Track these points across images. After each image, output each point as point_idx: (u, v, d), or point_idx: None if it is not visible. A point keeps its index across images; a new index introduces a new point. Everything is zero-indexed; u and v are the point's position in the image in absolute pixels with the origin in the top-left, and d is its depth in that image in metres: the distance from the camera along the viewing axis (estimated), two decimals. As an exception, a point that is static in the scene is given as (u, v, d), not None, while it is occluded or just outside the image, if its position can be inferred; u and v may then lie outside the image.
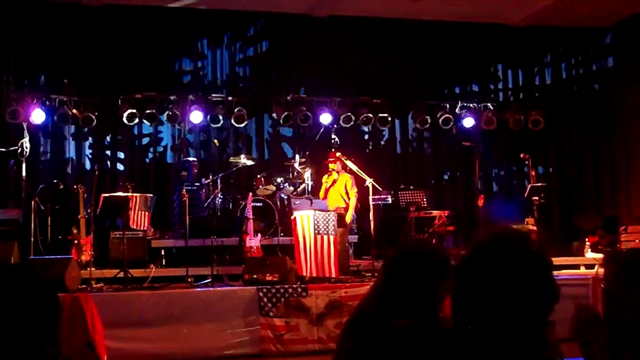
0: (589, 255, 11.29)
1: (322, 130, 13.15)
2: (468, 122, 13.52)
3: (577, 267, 11.14)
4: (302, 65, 13.89)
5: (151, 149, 13.28)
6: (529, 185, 10.98)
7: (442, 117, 13.43)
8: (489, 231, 2.06)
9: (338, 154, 10.94)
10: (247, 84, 13.98)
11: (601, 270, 8.99)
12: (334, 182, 10.94)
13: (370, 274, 10.12)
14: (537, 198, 10.76)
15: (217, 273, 9.85)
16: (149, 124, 12.57)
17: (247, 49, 13.94)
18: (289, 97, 13.18)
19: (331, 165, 10.98)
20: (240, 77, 14.01)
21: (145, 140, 13.30)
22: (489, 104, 13.81)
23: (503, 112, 13.81)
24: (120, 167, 13.03)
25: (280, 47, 13.79)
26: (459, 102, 13.75)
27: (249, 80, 14.00)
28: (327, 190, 10.98)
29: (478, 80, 14.76)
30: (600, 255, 10.61)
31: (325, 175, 11.09)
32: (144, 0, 12.62)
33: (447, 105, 13.67)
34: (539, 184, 11.15)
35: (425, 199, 12.02)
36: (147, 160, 13.24)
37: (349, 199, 10.86)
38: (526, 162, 11.38)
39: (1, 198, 12.20)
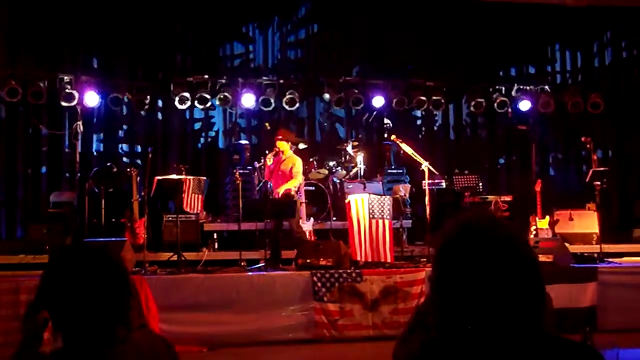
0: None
1: (374, 113, 12.95)
2: (524, 105, 13.18)
3: (638, 254, 10.77)
4: (355, 48, 13.69)
5: (203, 133, 13.26)
6: (591, 170, 10.62)
7: (498, 100, 13.11)
8: (454, 219, 1.84)
9: (393, 136, 10.71)
10: (298, 66, 13.84)
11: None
12: (281, 162, 10.33)
13: (425, 260, 9.92)
14: (599, 183, 10.40)
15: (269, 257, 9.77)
16: (200, 107, 12.51)
17: (298, 31, 13.80)
18: (341, 80, 13.00)
19: (278, 144, 10.33)
20: (291, 60, 13.90)
21: (197, 125, 13.29)
22: (545, 87, 13.43)
23: (561, 94, 13.42)
24: (172, 149, 13.04)
25: (331, 29, 13.61)
26: (515, 85, 13.39)
27: (299, 63, 13.87)
28: (273, 172, 10.37)
29: (534, 62, 14.38)
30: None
31: (270, 155, 10.44)
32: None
33: (503, 88, 13.34)
34: (601, 169, 10.77)
35: (480, 184, 11.75)
36: (199, 144, 13.23)
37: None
38: (587, 146, 11.00)
39: (56, 181, 12.32)
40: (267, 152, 10.76)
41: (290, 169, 10.24)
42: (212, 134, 13.37)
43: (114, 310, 1.94)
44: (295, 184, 10.19)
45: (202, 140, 13.28)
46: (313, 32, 13.79)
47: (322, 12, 13.53)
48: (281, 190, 10.07)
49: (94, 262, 1.96)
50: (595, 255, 10.18)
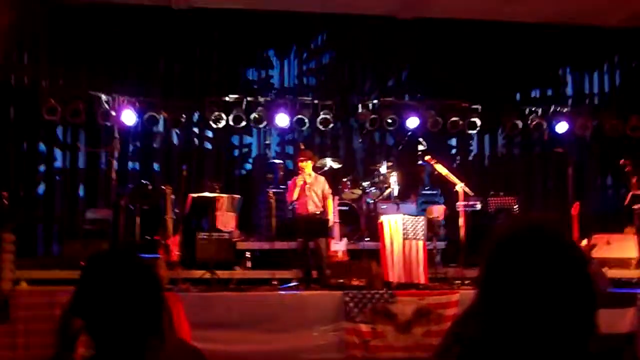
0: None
1: (408, 134, 12.91)
2: (561, 127, 13.02)
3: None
4: (389, 69, 13.70)
5: (236, 151, 13.33)
6: (630, 193, 10.45)
7: (534, 122, 12.98)
8: (513, 221, 1.74)
9: (427, 157, 10.65)
10: (331, 87, 13.88)
11: None
12: (306, 184, 10.07)
13: (459, 282, 9.80)
14: (638, 206, 10.22)
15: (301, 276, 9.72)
16: (234, 125, 12.57)
17: (325, 53, 13.85)
18: (375, 101, 12.99)
19: (304, 165, 10.12)
20: (322, 81, 13.95)
21: (234, 140, 13.38)
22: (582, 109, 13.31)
23: (599, 117, 13.25)
24: (207, 167, 13.13)
25: (363, 51, 13.65)
26: (552, 106, 13.27)
27: (330, 84, 13.91)
28: (301, 192, 10.09)
29: (572, 83, 14.23)
30: None
31: (299, 177, 10.17)
32: (232, 4, 12.65)
33: (540, 110, 13.21)
34: (641, 192, 10.60)
35: (516, 206, 11.59)
36: (235, 164, 13.32)
37: (324, 203, 10.16)
38: (626, 169, 10.83)
39: (92, 198, 12.47)
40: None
41: (322, 189, 10.21)
42: (246, 150, 13.41)
43: (148, 319, 1.93)
44: (331, 207, 10.20)
45: (236, 157, 13.33)
46: (343, 53, 13.82)
47: (357, 32, 13.53)
48: (331, 214, 10.05)
49: (129, 268, 1.96)
50: (634, 280, 9.98)
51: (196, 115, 12.84)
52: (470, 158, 13.94)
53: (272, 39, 13.44)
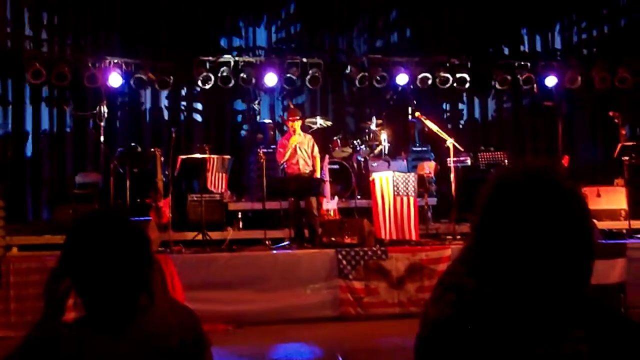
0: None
1: (399, 90, 12.85)
2: (550, 80, 12.98)
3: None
4: (377, 25, 13.57)
5: (227, 113, 13.26)
6: (620, 144, 10.45)
7: (524, 76, 12.92)
8: (512, 166, 1.67)
9: (417, 113, 10.61)
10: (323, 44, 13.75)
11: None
12: (300, 142, 10.00)
13: (450, 237, 9.85)
14: (627, 158, 10.24)
15: (293, 236, 9.74)
16: (223, 86, 12.45)
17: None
18: (364, 58, 12.88)
19: (295, 124, 10.03)
20: (311, 39, 13.80)
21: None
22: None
23: (588, 69, 13.19)
24: (196, 129, 13.06)
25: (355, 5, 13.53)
26: (540, 61, 13.22)
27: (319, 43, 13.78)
28: (292, 152, 9.97)
29: (560, 34, 14.15)
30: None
31: (293, 137, 9.99)
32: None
33: (529, 64, 13.14)
34: (631, 143, 10.60)
35: (507, 160, 11.60)
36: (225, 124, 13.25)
37: (312, 161, 10.09)
38: (615, 121, 10.82)
39: (81, 162, 12.41)
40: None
41: (312, 148, 10.16)
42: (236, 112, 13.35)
43: (137, 278, 1.91)
44: (319, 165, 10.16)
45: (226, 119, 13.24)
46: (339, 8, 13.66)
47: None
48: (319, 172, 10.05)
49: (117, 228, 1.93)
50: (624, 231, 10.04)
51: (183, 76, 12.67)
52: (460, 114, 13.87)
53: None
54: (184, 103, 13.08)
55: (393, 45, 13.54)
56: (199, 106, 13.11)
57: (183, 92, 13.02)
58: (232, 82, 12.34)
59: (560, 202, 1.54)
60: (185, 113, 13.05)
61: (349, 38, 13.76)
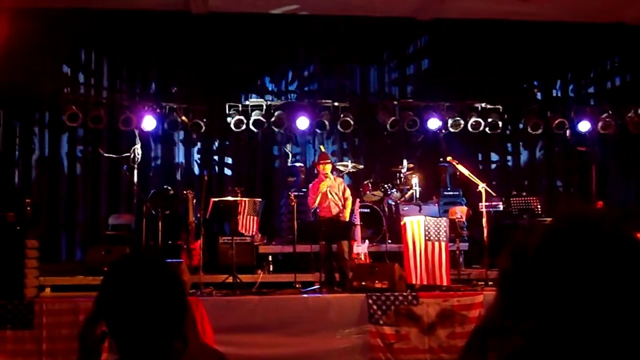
0: None
1: (430, 134, 12.85)
2: (583, 126, 12.89)
3: None
4: (407, 70, 13.66)
5: (258, 156, 13.33)
6: (655, 191, 10.34)
7: (556, 121, 12.85)
8: (561, 213, 1.62)
9: (449, 157, 10.59)
10: (354, 90, 13.83)
11: None
12: (330, 185, 10.10)
13: (482, 283, 9.74)
14: (662, 204, 10.11)
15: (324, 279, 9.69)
16: (255, 130, 12.55)
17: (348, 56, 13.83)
18: (395, 102, 12.95)
19: (325, 167, 10.15)
20: (342, 84, 13.89)
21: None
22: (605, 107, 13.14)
23: (622, 114, 13.08)
24: (228, 172, 13.14)
25: (385, 52, 13.61)
26: (573, 105, 13.15)
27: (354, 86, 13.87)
28: (323, 195, 10.08)
29: (594, 81, 14.08)
30: None
31: (324, 181, 10.06)
32: (249, 8, 12.64)
33: (561, 110, 13.08)
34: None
35: (539, 206, 11.48)
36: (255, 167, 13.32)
37: (344, 204, 10.16)
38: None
39: (114, 204, 12.54)
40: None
41: (343, 191, 10.20)
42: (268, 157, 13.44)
43: (171, 323, 1.92)
44: (349, 208, 10.17)
45: (257, 162, 13.32)
46: (365, 56, 13.77)
47: (375, 35, 13.46)
48: (348, 215, 10.04)
49: (153, 272, 1.94)
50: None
51: (217, 120, 12.79)
52: (492, 159, 13.81)
53: (288, 42, 13.42)
54: (216, 145, 13.18)
55: (425, 89, 13.56)
56: (231, 149, 13.20)
57: (215, 136, 13.11)
58: (264, 125, 12.44)
59: (624, 252, 1.49)
60: (217, 156, 13.15)
61: (381, 83, 13.81)
